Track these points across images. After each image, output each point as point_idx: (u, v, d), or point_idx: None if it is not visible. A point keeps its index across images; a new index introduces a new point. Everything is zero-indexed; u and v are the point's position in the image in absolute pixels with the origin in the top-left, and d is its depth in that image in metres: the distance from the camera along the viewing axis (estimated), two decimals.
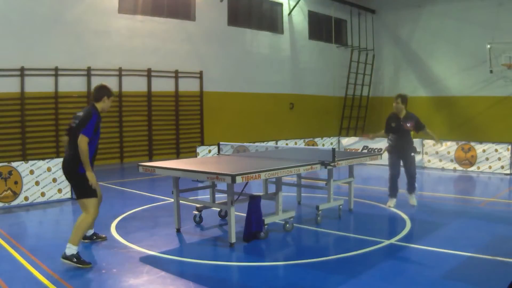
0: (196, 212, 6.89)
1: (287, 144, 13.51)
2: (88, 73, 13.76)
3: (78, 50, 13.51)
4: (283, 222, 6.43)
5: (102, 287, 4.50)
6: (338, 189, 9.03)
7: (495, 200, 8.78)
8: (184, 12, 16.24)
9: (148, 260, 5.25)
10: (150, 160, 14.66)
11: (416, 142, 13.49)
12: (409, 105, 8.02)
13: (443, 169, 12.72)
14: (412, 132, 8.25)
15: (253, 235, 5.96)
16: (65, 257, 4.98)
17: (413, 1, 20.56)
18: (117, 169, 13.50)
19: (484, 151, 12.19)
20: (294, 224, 6.56)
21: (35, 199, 8.47)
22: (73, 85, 13.49)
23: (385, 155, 8.22)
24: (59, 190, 8.71)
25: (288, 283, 4.68)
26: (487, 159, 12.17)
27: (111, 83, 14.07)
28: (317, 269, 4.95)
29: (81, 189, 5.18)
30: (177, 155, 15.77)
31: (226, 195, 6.30)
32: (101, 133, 5.46)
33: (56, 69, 13.11)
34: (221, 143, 8.10)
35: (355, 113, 21.74)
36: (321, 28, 21.31)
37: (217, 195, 7.25)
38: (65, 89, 13.28)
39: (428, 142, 13.25)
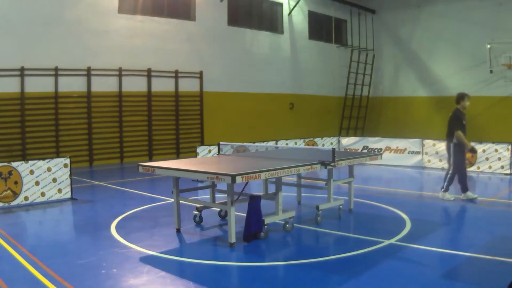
0: (196, 212, 6.89)
1: (287, 144, 13.50)
2: (88, 73, 13.77)
3: (78, 50, 13.52)
4: (283, 222, 6.43)
5: (102, 287, 4.50)
6: (338, 189, 9.04)
7: (495, 200, 8.78)
8: (184, 12, 16.25)
9: (148, 260, 5.25)
10: (150, 160, 14.66)
11: (416, 141, 13.56)
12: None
13: (443, 169, 12.69)
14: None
15: (253, 235, 5.95)
16: None
17: (413, 1, 20.56)
18: (117, 169, 13.49)
19: (484, 151, 12.18)
20: (294, 224, 6.55)
21: (35, 199, 8.47)
22: (73, 85, 13.50)
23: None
24: (59, 190, 8.70)
25: (288, 283, 4.68)
26: (487, 159, 12.17)
27: (111, 83, 14.28)
28: (317, 269, 4.95)
29: None
30: (177, 155, 15.77)
31: (226, 195, 6.30)
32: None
33: (56, 69, 13.11)
34: (221, 143, 8.10)
35: (355, 113, 21.74)
36: (321, 28, 21.30)
37: (217, 195, 7.25)
38: (65, 89, 13.29)
39: (428, 142, 13.26)
